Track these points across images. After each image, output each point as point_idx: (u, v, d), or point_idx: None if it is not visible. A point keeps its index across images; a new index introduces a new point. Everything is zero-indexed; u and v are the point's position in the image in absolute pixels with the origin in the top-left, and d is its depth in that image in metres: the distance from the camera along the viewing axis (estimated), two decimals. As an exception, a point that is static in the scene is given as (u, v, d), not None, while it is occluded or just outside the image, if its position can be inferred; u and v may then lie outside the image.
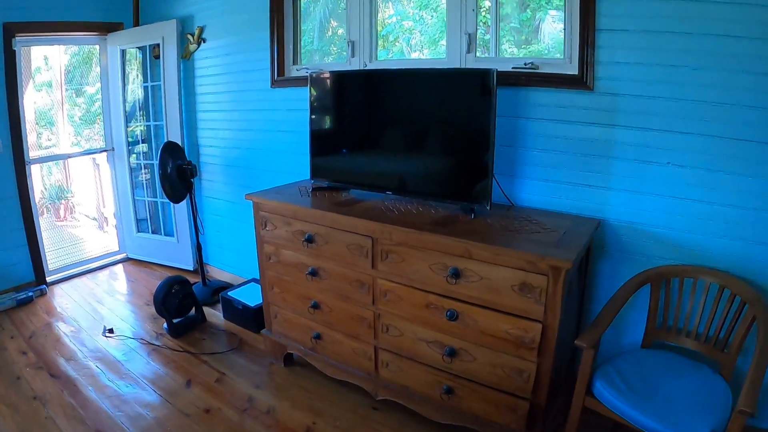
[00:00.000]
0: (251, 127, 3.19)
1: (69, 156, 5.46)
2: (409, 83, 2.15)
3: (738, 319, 1.79)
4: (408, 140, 2.22)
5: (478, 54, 2.23)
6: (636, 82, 1.91)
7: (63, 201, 5.93)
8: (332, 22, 2.95)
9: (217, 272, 3.77)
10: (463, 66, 2.25)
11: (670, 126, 1.88)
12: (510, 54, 2.34)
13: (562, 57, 2.10)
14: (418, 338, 1.95)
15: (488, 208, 1.94)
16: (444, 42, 2.36)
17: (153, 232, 4.08)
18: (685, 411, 1.56)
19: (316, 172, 2.44)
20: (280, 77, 2.90)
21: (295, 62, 2.92)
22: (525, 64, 2.06)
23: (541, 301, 1.64)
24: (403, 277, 1.91)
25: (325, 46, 2.99)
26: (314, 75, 2.37)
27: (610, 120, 1.98)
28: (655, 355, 1.90)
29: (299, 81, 2.77)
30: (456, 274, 1.76)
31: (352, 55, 2.62)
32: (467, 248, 1.73)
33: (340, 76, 2.37)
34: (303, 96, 2.73)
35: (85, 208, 5.98)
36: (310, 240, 2.13)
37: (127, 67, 3.83)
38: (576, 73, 2.00)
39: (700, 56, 1.79)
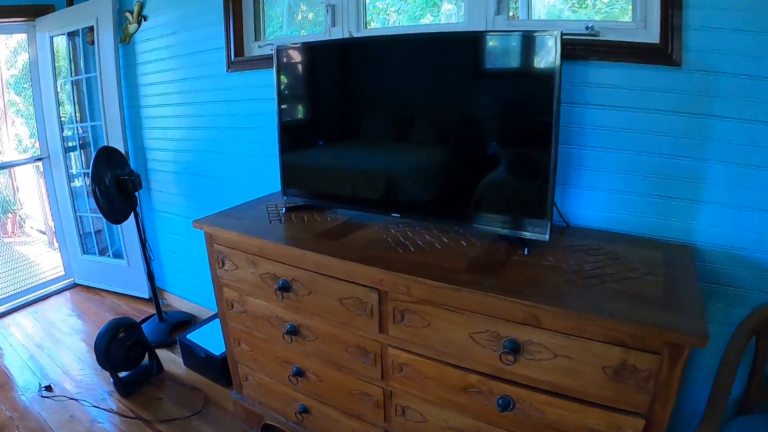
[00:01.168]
0: (206, 123, 2.48)
1: (10, 165, 4.62)
2: (424, 57, 1.45)
3: None
4: (423, 140, 1.54)
5: (512, 14, 1.57)
6: (739, 56, 1.31)
7: (10, 214, 5.12)
8: (302, 6, 2.24)
9: (176, 301, 3.08)
10: (470, 31, 1.60)
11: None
12: (551, 14, 1.67)
13: (630, 20, 1.46)
14: (450, 427, 1.32)
15: (547, 237, 1.31)
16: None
17: (101, 254, 3.35)
18: None
19: (289, 184, 1.77)
20: (238, 58, 2.20)
21: (257, 38, 2.22)
22: (587, 29, 1.40)
23: (648, 389, 1.04)
24: (427, 347, 1.29)
25: (295, 32, 2.28)
26: (283, 49, 1.67)
27: (703, 108, 1.37)
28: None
29: (264, 62, 2.08)
30: (515, 348, 1.15)
31: (333, 24, 1.92)
32: (534, 314, 1.11)
33: (323, 49, 1.67)
34: (269, 80, 2.05)
35: (36, 221, 5.17)
36: (285, 288, 1.48)
37: (60, 58, 3.07)
38: (656, 41, 1.39)
39: None
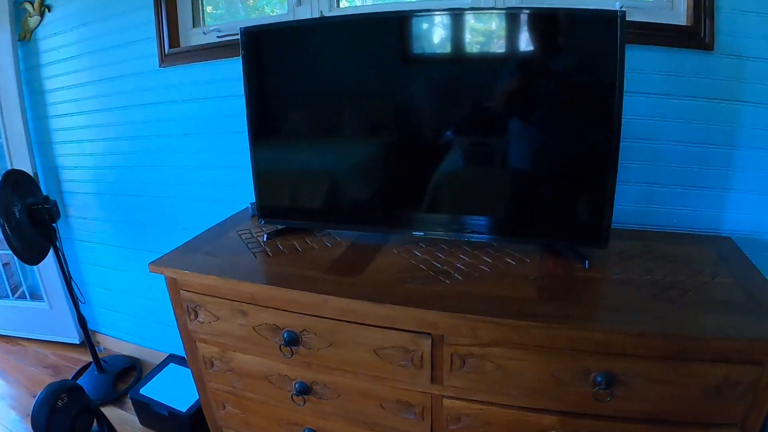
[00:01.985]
0: (133, 132, 2.00)
1: None
2: (454, 39, 1.17)
3: None
4: (454, 139, 1.25)
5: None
6: (766, 39, 1.25)
7: None
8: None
9: (114, 343, 2.52)
10: (498, 7, 1.38)
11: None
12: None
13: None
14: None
15: (607, 246, 1.15)
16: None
17: (14, 294, 2.70)
18: None
19: (267, 203, 1.42)
20: (174, 49, 1.76)
21: (197, 23, 1.80)
22: (621, 8, 1.22)
23: (746, 400, 0.94)
24: (495, 393, 1.06)
25: (236, 15, 1.89)
26: (255, 32, 1.29)
27: (734, 94, 1.30)
28: None
29: (210, 51, 1.68)
30: (609, 381, 0.96)
31: (299, 3, 1.58)
32: (634, 343, 0.93)
33: (315, 30, 1.30)
34: (217, 74, 1.71)
35: None
36: (293, 342, 1.16)
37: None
38: (687, 23, 1.28)
39: None
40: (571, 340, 0.97)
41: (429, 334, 1.04)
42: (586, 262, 1.17)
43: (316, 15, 1.55)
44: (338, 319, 1.11)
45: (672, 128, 1.35)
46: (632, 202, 1.42)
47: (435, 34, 1.18)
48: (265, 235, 1.40)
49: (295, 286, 1.12)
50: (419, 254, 1.27)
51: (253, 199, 1.58)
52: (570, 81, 1.12)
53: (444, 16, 1.16)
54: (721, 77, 1.28)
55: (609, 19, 1.02)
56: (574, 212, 1.20)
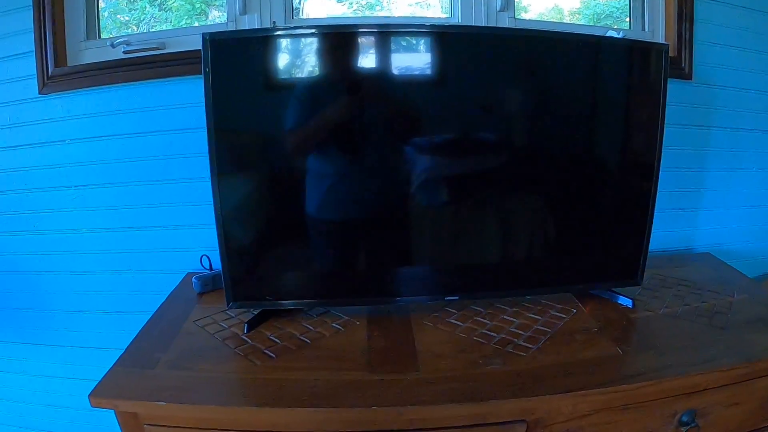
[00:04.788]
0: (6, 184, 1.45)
1: None
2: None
3: None
4: (486, 183, 1.14)
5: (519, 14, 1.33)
6: (733, 70, 1.46)
7: None
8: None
9: None
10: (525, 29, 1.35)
11: (760, 125, 1.53)
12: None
13: (628, 27, 1.42)
14: None
15: (640, 283, 1.20)
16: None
17: None
18: None
19: (241, 276, 1.09)
20: (60, 68, 1.29)
21: (92, 35, 1.36)
22: (616, 30, 1.30)
23: None
24: None
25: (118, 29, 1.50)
26: (229, 39, 0.99)
27: (706, 120, 1.48)
28: None
29: (111, 72, 1.28)
30: (693, 418, 1.00)
31: (244, 10, 1.30)
32: (714, 378, 0.98)
33: (320, 39, 1.03)
34: (125, 103, 1.34)
35: None
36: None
37: None
38: (670, 54, 1.37)
39: None
40: (669, 390, 0.97)
41: (524, 420, 0.92)
42: (626, 300, 1.19)
43: (268, 25, 1.30)
44: (411, 430, 0.89)
45: None
46: None
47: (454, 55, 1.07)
48: (246, 325, 1.09)
49: (348, 401, 0.86)
50: (460, 323, 1.12)
51: (185, 267, 1.27)
52: (607, 111, 1.13)
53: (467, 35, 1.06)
54: (696, 104, 1.44)
55: (658, 51, 1.05)
56: (612, 253, 1.21)
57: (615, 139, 1.15)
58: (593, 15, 1.55)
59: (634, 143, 1.14)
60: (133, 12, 1.54)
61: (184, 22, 1.49)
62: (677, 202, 1.53)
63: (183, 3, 1.51)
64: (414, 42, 1.06)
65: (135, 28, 1.52)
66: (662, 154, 1.11)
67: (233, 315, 1.14)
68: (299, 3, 1.45)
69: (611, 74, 1.11)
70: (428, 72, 1.07)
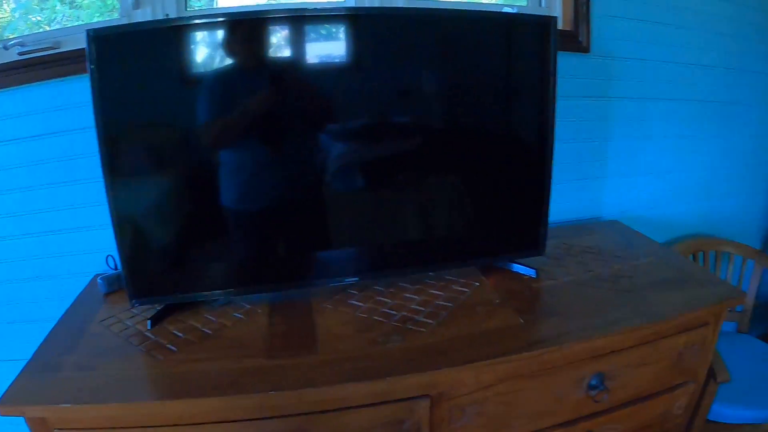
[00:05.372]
0: None
1: None
2: (363, 37, 1.08)
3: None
4: (385, 165, 1.16)
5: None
6: (632, 42, 1.54)
7: None
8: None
9: None
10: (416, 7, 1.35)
11: (662, 93, 1.63)
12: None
13: (526, 4, 1.46)
14: None
15: (544, 252, 1.26)
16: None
17: None
18: None
19: (140, 273, 1.09)
20: None
21: None
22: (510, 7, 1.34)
23: (698, 357, 1.20)
24: (500, 429, 1.06)
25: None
26: (113, 35, 0.98)
27: (605, 91, 1.54)
28: None
29: (2, 75, 1.25)
30: (602, 380, 1.08)
31: (137, 5, 1.28)
32: (620, 339, 1.06)
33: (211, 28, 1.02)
34: (21, 106, 1.31)
35: None
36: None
37: None
38: (566, 27, 1.44)
39: (684, 13, 1.59)
40: (574, 354, 1.03)
41: (427, 395, 0.95)
42: (532, 271, 1.24)
43: (162, 17, 1.28)
44: (313, 412, 0.91)
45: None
46: None
47: (338, 36, 1.08)
48: (149, 322, 1.09)
49: (249, 388, 0.88)
50: (361, 304, 1.15)
51: (94, 269, 1.26)
52: (500, 87, 1.17)
53: (346, 17, 1.07)
54: (594, 76, 1.49)
55: (545, 24, 1.08)
56: (512, 225, 1.25)
57: (508, 114, 1.20)
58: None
59: (526, 116, 1.19)
60: (44, 11, 1.49)
61: (96, 19, 1.45)
62: (583, 171, 1.59)
63: (94, 0, 1.47)
64: (308, 27, 1.05)
65: (47, 28, 1.47)
66: (555, 125, 1.15)
67: (138, 312, 1.14)
68: None
69: (500, 49, 1.15)
70: (328, 57, 1.08)
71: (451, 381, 0.96)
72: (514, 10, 1.30)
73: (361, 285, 1.22)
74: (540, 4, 1.47)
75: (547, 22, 1.09)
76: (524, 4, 1.48)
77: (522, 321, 1.07)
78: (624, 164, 1.64)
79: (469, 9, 1.29)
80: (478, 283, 1.22)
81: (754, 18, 1.79)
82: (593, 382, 1.07)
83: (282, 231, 1.18)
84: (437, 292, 1.19)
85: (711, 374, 1.31)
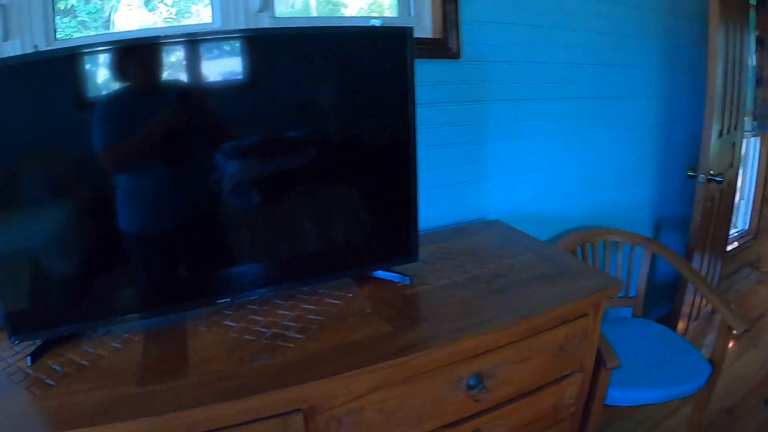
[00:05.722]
0: None
1: None
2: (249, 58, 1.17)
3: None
4: (253, 183, 1.25)
5: (278, 12, 1.46)
6: (502, 45, 1.72)
7: None
8: None
9: None
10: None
11: (536, 94, 1.83)
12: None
13: (396, 15, 1.61)
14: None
15: (418, 259, 1.39)
16: None
17: None
18: (676, 361, 1.79)
19: (18, 308, 1.12)
20: None
21: None
22: (378, 19, 1.47)
23: (582, 347, 1.37)
24: None
25: None
26: None
27: (479, 95, 1.72)
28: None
29: None
30: (480, 380, 1.21)
31: (6, 38, 1.32)
32: (494, 338, 1.20)
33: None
34: None
35: None
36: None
37: None
38: (435, 36, 1.60)
39: (556, 14, 1.80)
40: (446, 357, 1.15)
41: (299, 410, 1.04)
42: (406, 278, 1.36)
43: (30, 50, 1.32)
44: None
45: (429, 135, 1.66)
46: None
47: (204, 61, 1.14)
48: (29, 358, 1.10)
49: (122, 416, 0.93)
50: (234, 324, 1.22)
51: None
52: (363, 99, 1.28)
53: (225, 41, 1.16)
54: (468, 81, 1.66)
55: (398, 36, 1.20)
56: (381, 234, 1.37)
57: (372, 124, 1.30)
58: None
59: (389, 125, 1.30)
60: None
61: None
62: (464, 175, 1.77)
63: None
64: (166, 53, 1.12)
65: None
66: (417, 132, 1.29)
67: (19, 350, 1.19)
68: (109, 15, 1.47)
69: (361, 63, 1.26)
70: (210, 77, 1.16)
71: (321, 393, 1.05)
72: (380, 23, 1.42)
73: (236, 306, 1.30)
74: (409, 14, 1.60)
75: (402, 32, 1.21)
76: (395, 15, 1.61)
77: (391, 328, 1.18)
78: (504, 165, 1.83)
79: (327, 26, 1.40)
80: (351, 295, 1.33)
81: (628, 14, 2.04)
82: (471, 382, 1.19)
83: (162, 255, 1.25)
84: (310, 307, 1.29)
85: (600, 362, 1.50)
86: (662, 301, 2.67)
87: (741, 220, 3.96)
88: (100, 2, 1.44)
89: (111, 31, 1.45)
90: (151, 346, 1.17)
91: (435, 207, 1.74)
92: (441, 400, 1.19)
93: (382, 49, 1.24)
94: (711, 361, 1.78)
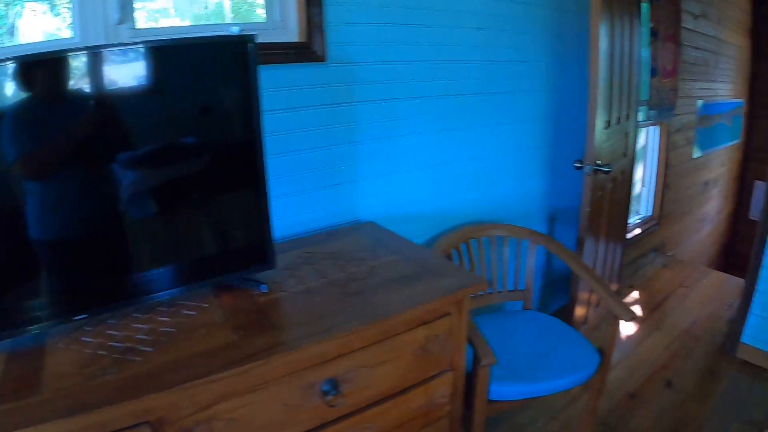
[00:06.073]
0: None
1: None
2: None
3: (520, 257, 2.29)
4: (110, 201, 1.32)
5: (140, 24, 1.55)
6: (372, 46, 1.85)
7: None
8: None
9: None
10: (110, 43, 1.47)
11: (409, 92, 1.97)
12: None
13: (264, 20, 1.72)
14: None
15: (275, 266, 1.51)
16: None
17: None
18: (564, 352, 1.97)
19: None
20: None
21: None
22: (241, 31, 1.55)
23: (448, 346, 1.51)
24: None
25: None
26: None
27: (348, 96, 1.85)
28: (485, 326, 2.17)
29: None
30: (335, 386, 1.33)
31: None
32: (346, 342, 1.31)
33: None
34: None
35: None
36: None
37: None
38: (300, 39, 1.71)
39: (431, 13, 1.94)
40: (290, 364, 1.25)
41: (147, 422, 1.13)
42: (263, 286, 1.47)
43: None
44: None
45: (298, 139, 1.78)
46: (278, 216, 1.79)
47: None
48: None
49: None
50: (91, 340, 1.30)
51: None
52: (210, 110, 1.38)
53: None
54: (335, 84, 1.78)
55: (239, 43, 1.31)
56: (236, 242, 1.48)
57: (220, 133, 1.41)
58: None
59: (236, 134, 1.41)
60: None
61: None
62: (336, 177, 1.90)
63: None
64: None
65: None
66: (264, 138, 1.38)
67: None
68: (14, 21, 1.49)
69: (208, 73, 1.35)
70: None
71: (164, 405, 1.15)
72: (238, 30, 1.53)
73: (96, 321, 1.38)
74: (276, 18, 1.71)
75: (243, 41, 1.31)
76: (263, 20, 1.72)
77: (236, 338, 1.29)
78: (379, 165, 1.98)
79: (171, 38, 1.44)
80: (207, 305, 1.43)
81: (512, 10, 2.27)
82: (325, 388, 1.31)
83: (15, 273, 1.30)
84: (165, 319, 1.38)
85: (476, 359, 1.65)
86: (561, 292, 2.89)
87: (644, 207, 4.36)
88: (5, 8, 1.48)
89: (16, 37, 1.50)
90: (11, 367, 1.24)
91: (308, 211, 1.86)
92: (295, 408, 1.30)
93: (227, 58, 1.34)
94: (600, 350, 1.97)
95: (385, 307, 1.39)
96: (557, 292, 3.04)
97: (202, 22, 1.75)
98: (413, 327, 1.41)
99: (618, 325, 1.97)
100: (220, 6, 1.80)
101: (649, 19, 3.58)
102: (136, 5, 1.54)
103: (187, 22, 1.77)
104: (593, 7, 2.23)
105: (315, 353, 1.28)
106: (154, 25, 1.71)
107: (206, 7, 1.76)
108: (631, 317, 1.91)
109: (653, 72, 3.71)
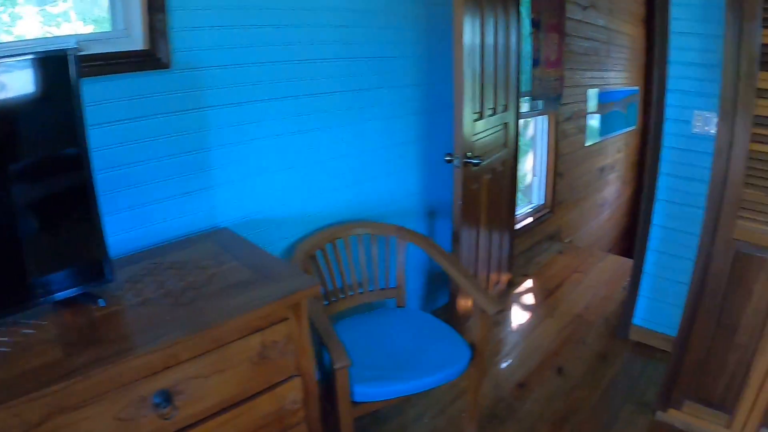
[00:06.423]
0: None
1: None
2: None
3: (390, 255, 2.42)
4: None
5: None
6: (222, 50, 1.92)
7: None
8: None
9: None
10: None
11: (259, 95, 2.06)
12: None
13: (110, 29, 1.76)
14: None
15: (112, 278, 1.56)
16: None
17: None
18: (434, 349, 2.08)
19: None
20: None
21: None
22: (77, 43, 1.59)
23: (290, 351, 1.60)
24: None
25: None
26: None
27: (196, 102, 1.92)
28: (354, 326, 2.30)
29: None
30: (168, 398, 1.40)
31: None
32: (171, 353, 1.38)
33: None
34: None
35: None
36: None
37: None
38: (144, 47, 1.76)
39: (282, 14, 2.03)
40: (114, 378, 1.32)
41: None
42: (100, 300, 1.53)
43: None
44: None
45: (145, 148, 1.83)
46: (129, 227, 1.86)
47: None
48: None
49: None
50: None
51: None
52: (33, 127, 1.40)
53: None
54: (182, 90, 1.85)
55: (59, 57, 1.35)
56: (69, 258, 1.53)
57: (44, 152, 1.44)
58: None
59: (62, 147, 1.45)
60: None
61: None
62: (190, 185, 1.97)
63: None
64: None
65: None
66: (90, 151, 1.42)
67: None
68: None
69: (32, 88, 1.38)
70: None
71: None
72: (74, 42, 1.55)
73: None
74: (119, 27, 1.75)
75: (63, 54, 1.35)
76: (109, 28, 1.76)
77: (63, 355, 1.35)
78: (234, 170, 2.07)
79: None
80: (46, 322, 1.48)
81: (375, 6, 2.39)
82: (157, 401, 1.39)
83: None
84: (4, 339, 1.42)
85: (332, 362, 1.74)
86: (445, 288, 3.02)
87: (536, 196, 4.62)
88: None
89: None
90: None
91: (160, 221, 1.93)
92: (129, 422, 1.37)
93: (48, 73, 1.38)
94: (471, 344, 2.09)
95: (215, 315, 1.46)
96: (441, 289, 3.16)
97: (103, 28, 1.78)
98: (246, 334, 1.49)
99: (487, 318, 2.08)
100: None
101: (530, 11, 3.78)
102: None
103: (90, 28, 1.82)
104: (455, 0, 2.37)
105: (139, 366, 1.34)
106: (56, 31, 1.74)
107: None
108: (498, 309, 2.05)
109: (535, 63, 3.94)
